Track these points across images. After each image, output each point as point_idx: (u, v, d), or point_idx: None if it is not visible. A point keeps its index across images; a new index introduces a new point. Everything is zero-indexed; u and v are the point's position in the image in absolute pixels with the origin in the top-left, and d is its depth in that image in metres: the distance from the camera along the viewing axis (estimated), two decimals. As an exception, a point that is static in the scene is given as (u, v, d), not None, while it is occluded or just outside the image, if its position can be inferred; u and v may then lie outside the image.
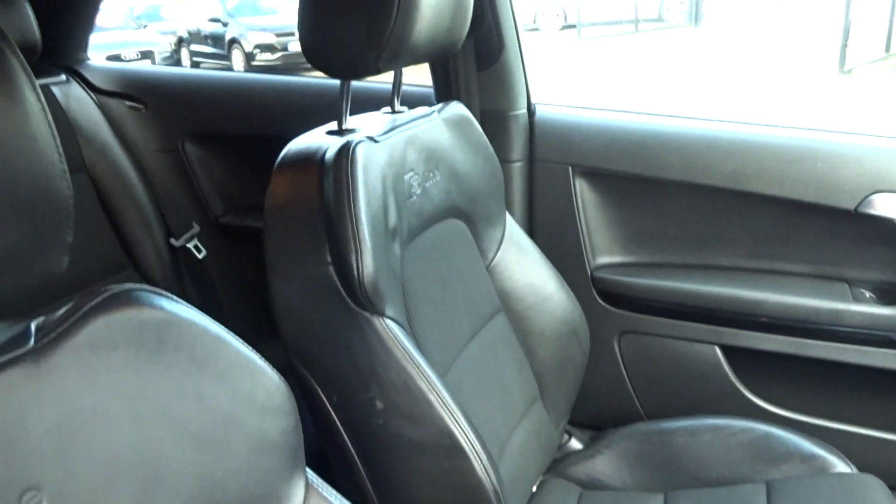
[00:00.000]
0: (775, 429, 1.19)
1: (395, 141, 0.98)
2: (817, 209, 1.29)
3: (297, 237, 0.90)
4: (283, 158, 0.93)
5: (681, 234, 1.43)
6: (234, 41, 10.26)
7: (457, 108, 1.15)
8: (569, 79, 8.55)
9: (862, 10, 8.44)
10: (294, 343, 0.91)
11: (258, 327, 1.79)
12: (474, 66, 1.37)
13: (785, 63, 8.95)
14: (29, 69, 0.43)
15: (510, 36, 1.35)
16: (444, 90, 1.40)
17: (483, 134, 1.18)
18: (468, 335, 1.10)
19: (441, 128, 1.09)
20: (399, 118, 1.06)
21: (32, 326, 0.49)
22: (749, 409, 1.38)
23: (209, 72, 2.06)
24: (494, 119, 1.39)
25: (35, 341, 0.48)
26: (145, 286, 0.54)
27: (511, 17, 1.35)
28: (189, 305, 0.57)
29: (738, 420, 1.22)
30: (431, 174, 1.05)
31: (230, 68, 10.17)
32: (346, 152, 0.87)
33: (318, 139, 0.95)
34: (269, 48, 9.98)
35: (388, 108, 1.12)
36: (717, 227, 1.41)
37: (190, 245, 1.71)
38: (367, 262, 0.85)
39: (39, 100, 0.43)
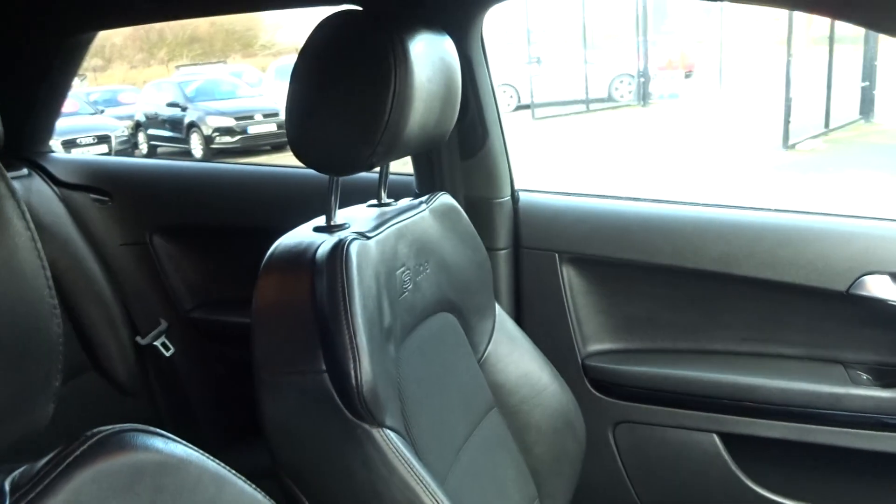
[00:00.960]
0: None
1: (386, 236, 0.93)
2: (809, 291, 1.28)
3: (289, 343, 0.84)
4: (271, 257, 0.88)
5: (672, 320, 1.41)
6: (192, 125, 10.30)
7: (444, 199, 1.12)
8: (528, 158, 8.73)
9: (802, 88, 8.88)
10: (285, 459, 0.84)
11: (230, 428, 1.69)
12: (458, 155, 1.35)
13: (732, 140, 9.32)
14: (17, 193, 0.37)
15: (493, 124, 1.35)
16: (427, 179, 1.38)
17: (470, 224, 1.15)
18: (464, 436, 1.03)
19: (429, 219, 1.06)
20: (388, 211, 1.02)
21: (7, 485, 0.41)
22: (751, 498, 1.33)
23: (177, 162, 2.02)
24: (479, 207, 1.37)
25: None
26: (137, 425, 0.48)
27: (494, 105, 1.35)
28: (185, 443, 0.50)
29: None
30: (422, 267, 1.01)
31: (189, 152, 10.18)
32: (339, 251, 0.83)
33: (307, 236, 0.90)
34: (228, 131, 10.05)
35: (374, 201, 1.08)
36: (708, 311, 1.38)
37: (157, 343, 1.62)
38: (366, 369, 0.79)
39: (29, 227, 0.38)
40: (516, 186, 1.43)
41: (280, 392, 0.83)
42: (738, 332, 1.38)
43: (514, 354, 1.18)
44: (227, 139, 10.04)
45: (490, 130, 1.34)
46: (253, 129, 10.11)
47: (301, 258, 0.85)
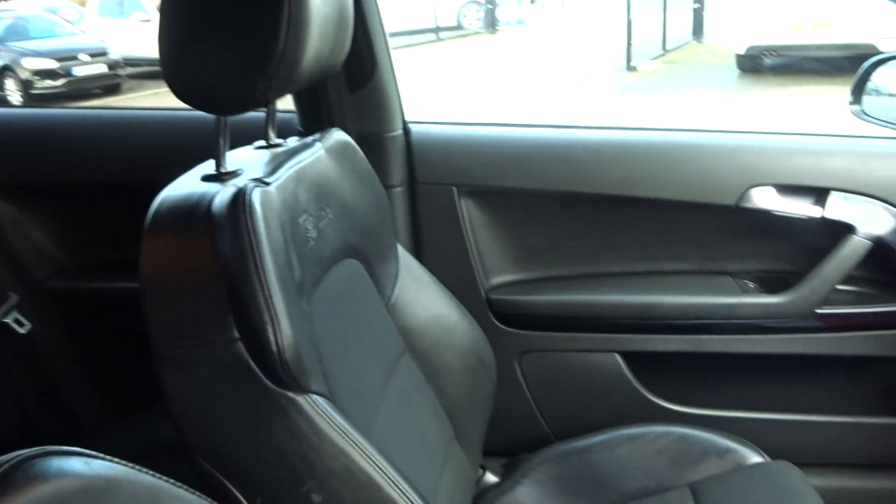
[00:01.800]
0: (688, 429, 1.18)
1: (285, 181, 0.83)
2: (701, 207, 1.31)
3: (192, 311, 0.73)
4: (157, 215, 0.76)
5: (572, 246, 1.40)
6: (6, 69, 9.17)
7: (339, 136, 1.02)
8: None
9: (641, 10, 9.22)
10: (197, 440, 0.74)
11: (107, 406, 1.53)
12: (346, 87, 1.24)
13: (578, 64, 9.58)
14: None
15: (382, 52, 1.25)
16: (312, 115, 1.26)
17: (367, 162, 1.06)
18: (381, 388, 0.98)
19: (326, 159, 0.96)
20: (279, 153, 0.91)
21: None
22: (657, 413, 1.38)
23: (13, 109, 1.74)
24: (371, 143, 1.28)
25: None
26: (47, 448, 0.37)
27: (382, 34, 1.24)
28: (110, 458, 0.40)
29: (652, 427, 1.20)
30: (323, 213, 0.92)
31: (5, 99, 9.09)
32: (240, 201, 0.72)
33: (196, 186, 0.79)
34: (49, 74, 9.01)
35: (262, 142, 0.97)
36: (606, 234, 1.39)
37: (8, 319, 1.42)
38: (286, 332, 0.71)
39: None
40: (406, 118, 1.35)
41: (186, 368, 0.73)
42: (634, 253, 1.40)
43: (422, 296, 1.13)
44: (50, 83, 9.01)
45: (379, 60, 1.24)
46: (79, 71, 9.12)
47: (194, 213, 0.74)
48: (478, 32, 12.60)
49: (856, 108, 1.49)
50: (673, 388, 1.41)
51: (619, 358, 1.38)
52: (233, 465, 0.74)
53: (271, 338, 0.70)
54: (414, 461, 0.97)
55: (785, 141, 1.32)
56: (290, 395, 0.73)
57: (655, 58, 9.68)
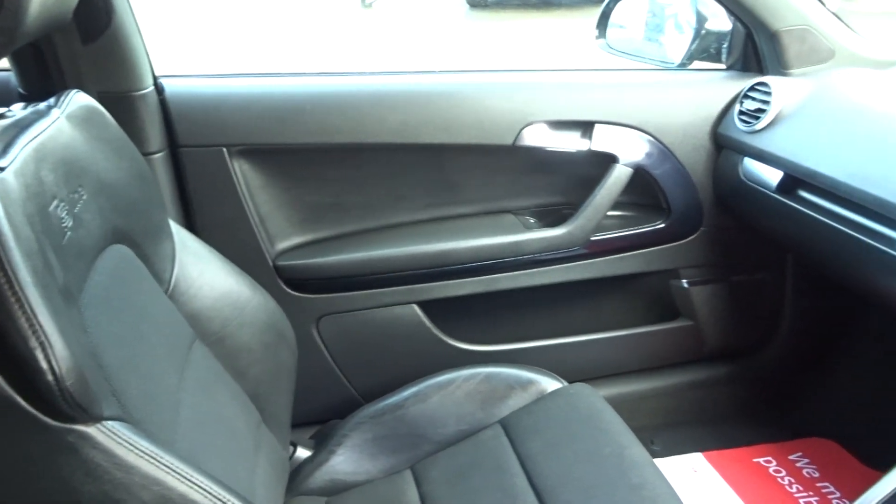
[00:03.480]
0: (493, 368, 1.21)
1: (23, 162, 0.67)
2: (481, 149, 1.31)
3: None
4: None
5: (358, 201, 1.34)
6: None
7: (80, 99, 0.84)
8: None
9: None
10: None
11: None
12: (78, 39, 1.03)
13: (310, 7, 9.27)
14: None
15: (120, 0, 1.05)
16: (37, 75, 1.04)
17: (118, 127, 0.90)
18: (176, 386, 0.86)
19: (69, 129, 0.79)
20: (6, 126, 0.73)
21: None
22: (462, 356, 1.40)
23: None
24: (117, 104, 1.08)
25: None
26: None
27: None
28: None
29: (459, 371, 1.20)
30: (77, 195, 0.76)
31: None
32: None
33: None
34: None
35: None
36: (391, 185, 1.35)
37: None
38: (62, 353, 0.57)
39: None
40: (157, 73, 1.17)
41: None
42: (420, 201, 1.38)
43: (206, 275, 1.00)
44: None
45: (116, 5, 1.04)
46: None
47: None
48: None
49: (602, 42, 1.59)
50: (472, 329, 1.44)
51: (417, 308, 1.37)
52: None
53: (44, 365, 0.56)
54: (226, 462, 0.87)
55: (554, 79, 1.36)
56: (79, 428, 0.59)
57: (391, -7, 9.71)
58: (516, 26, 7.72)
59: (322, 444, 1.17)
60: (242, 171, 1.23)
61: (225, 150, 1.19)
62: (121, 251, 0.85)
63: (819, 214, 1.17)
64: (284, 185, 1.28)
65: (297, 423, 1.37)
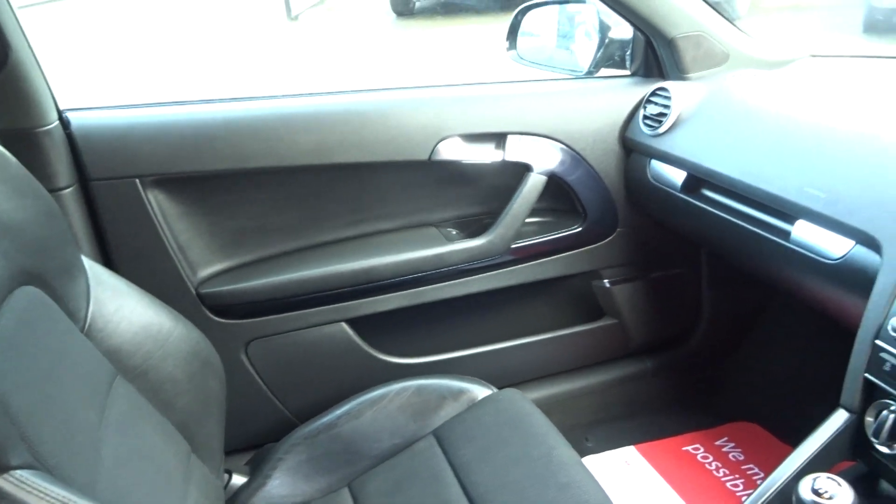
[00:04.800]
0: (424, 380, 1.23)
1: None
2: (398, 165, 1.33)
3: None
4: None
5: (279, 223, 1.34)
6: None
7: None
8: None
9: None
10: None
11: None
12: None
13: (237, 21, 9.16)
14: None
15: (14, 32, 1.03)
16: None
17: (20, 165, 0.89)
18: (98, 426, 0.85)
19: None
20: None
21: None
22: (393, 370, 1.41)
23: None
24: (20, 142, 1.07)
25: None
26: None
27: (11, 11, 1.02)
28: None
29: (390, 385, 1.22)
30: None
31: None
32: None
33: None
34: None
35: None
36: (312, 205, 1.35)
37: None
38: None
39: None
40: (62, 107, 1.15)
41: None
42: (342, 220, 1.39)
43: (124, 309, 1.00)
44: None
45: (12, 40, 1.02)
46: None
47: None
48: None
49: (512, 52, 1.63)
50: (403, 343, 1.45)
51: (346, 326, 1.38)
52: None
53: None
54: (153, 497, 0.87)
55: (466, 93, 1.39)
56: None
57: (315, 6, 9.66)
58: (445, 34, 7.79)
59: (257, 470, 1.17)
60: (158, 201, 1.22)
61: (138, 180, 1.18)
62: (30, 293, 0.84)
63: (721, 211, 1.23)
64: (203, 213, 1.28)
65: (232, 450, 1.37)
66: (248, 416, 1.38)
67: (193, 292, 1.27)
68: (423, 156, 1.32)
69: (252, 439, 1.39)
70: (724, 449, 1.57)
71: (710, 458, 1.54)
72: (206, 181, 1.25)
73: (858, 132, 1.05)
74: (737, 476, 1.49)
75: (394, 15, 8.91)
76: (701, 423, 1.65)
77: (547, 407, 1.26)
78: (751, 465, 1.52)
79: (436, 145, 1.32)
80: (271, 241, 1.35)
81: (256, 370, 1.35)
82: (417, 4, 8.96)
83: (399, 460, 1.13)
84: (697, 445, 1.58)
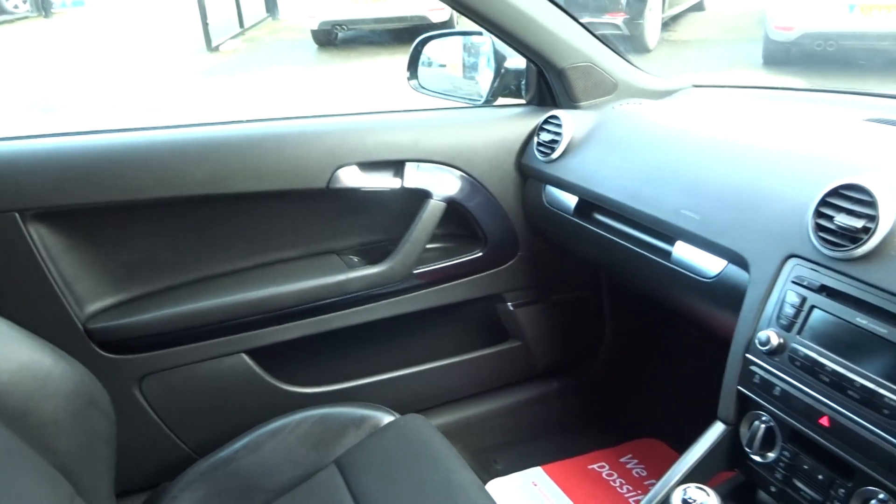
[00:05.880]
0: (326, 409, 1.22)
1: None
2: (296, 194, 1.33)
3: None
4: None
5: (174, 255, 1.31)
6: None
7: None
8: None
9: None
10: None
11: None
12: None
13: (155, 49, 9.01)
14: None
15: None
16: None
17: None
18: None
19: None
20: None
21: None
22: (296, 400, 1.39)
23: None
24: None
25: None
26: None
27: None
28: None
29: (291, 416, 1.20)
30: None
31: None
32: None
33: None
34: None
35: None
36: (207, 236, 1.33)
37: None
38: None
39: None
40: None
41: None
42: (239, 250, 1.37)
43: (1, 350, 0.96)
44: None
45: None
46: None
47: None
48: (27, 17, 11.02)
49: (413, 82, 1.66)
50: (306, 372, 1.44)
51: (246, 357, 1.35)
52: None
53: None
54: None
55: (363, 121, 1.40)
56: None
57: (235, 36, 9.58)
58: (368, 66, 7.84)
59: None
60: (40, 235, 1.18)
61: (17, 214, 1.14)
62: None
63: (611, 234, 1.28)
64: (91, 246, 1.24)
65: (127, 491, 1.32)
66: (143, 454, 1.33)
67: (81, 328, 1.22)
68: (321, 184, 1.32)
69: (151, 478, 1.35)
70: (629, 466, 1.61)
71: (615, 476, 1.58)
72: (93, 213, 1.22)
73: (730, 157, 1.11)
74: (639, 492, 1.53)
75: (315, 46, 8.92)
76: (606, 441, 1.69)
77: (455, 431, 1.26)
78: (653, 481, 1.55)
79: (333, 173, 1.32)
80: (165, 274, 1.32)
81: (151, 406, 1.31)
82: (340, 35, 9.00)
83: (299, 492, 1.11)
84: (603, 463, 1.62)
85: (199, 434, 1.36)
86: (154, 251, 1.30)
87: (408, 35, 8.29)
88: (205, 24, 8.83)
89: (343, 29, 8.66)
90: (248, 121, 1.33)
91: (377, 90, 6.50)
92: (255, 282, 1.34)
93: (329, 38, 8.82)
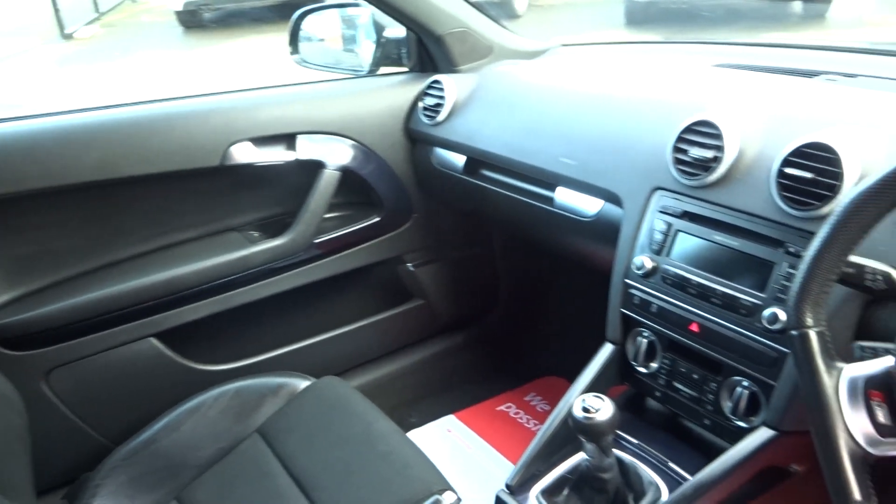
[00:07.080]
0: (242, 382, 1.24)
1: None
2: (190, 174, 1.33)
3: None
4: None
5: (72, 244, 1.29)
6: None
7: None
8: None
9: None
10: None
11: None
12: None
13: (36, 39, 8.35)
14: None
15: None
16: None
17: None
18: None
19: None
20: None
21: None
22: (211, 378, 1.41)
23: None
24: None
25: None
26: None
27: None
28: None
29: (208, 392, 1.22)
30: None
31: None
32: None
33: None
34: None
35: None
36: (105, 222, 1.32)
37: None
38: None
39: None
40: None
41: None
42: (139, 235, 1.37)
43: None
44: None
45: None
46: None
47: None
48: None
49: (296, 57, 1.68)
50: (219, 349, 1.45)
51: (155, 341, 1.36)
52: None
53: None
54: None
55: (253, 97, 1.42)
56: None
57: (91, 22, 9.04)
58: (238, 46, 7.60)
59: (75, 501, 1.13)
60: None
61: None
62: None
63: (498, 187, 1.37)
64: None
65: (48, 488, 1.31)
66: (60, 449, 1.32)
67: None
68: (215, 162, 1.33)
69: (70, 473, 1.33)
70: (532, 403, 1.73)
71: (521, 413, 1.70)
72: None
73: (599, 107, 1.22)
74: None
75: (181, 28, 8.55)
76: (512, 384, 1.81)
77: (369, 391, 1.32)
78: (556, 414, 1.69)
79: (226, 150, 1.33)
80: (64, 264, 1.30)
81: (62, 399, 1.30)
82: (207, 16, 8.67)
83: (226, 464, 1.14)
84: (509, 404, 1.73)
85: (116, 423, 1.36)
86: (49, 242, 1.27)
87: (276, 14, 8.11)
88: (56, 11, 8.26)
89: (210, 9, 8.35)
90: (135, 103, 1.32)
91: (245, 68, 6.34)
92: (158, 265, 1.34)
93: (195, 18, 8.48)
